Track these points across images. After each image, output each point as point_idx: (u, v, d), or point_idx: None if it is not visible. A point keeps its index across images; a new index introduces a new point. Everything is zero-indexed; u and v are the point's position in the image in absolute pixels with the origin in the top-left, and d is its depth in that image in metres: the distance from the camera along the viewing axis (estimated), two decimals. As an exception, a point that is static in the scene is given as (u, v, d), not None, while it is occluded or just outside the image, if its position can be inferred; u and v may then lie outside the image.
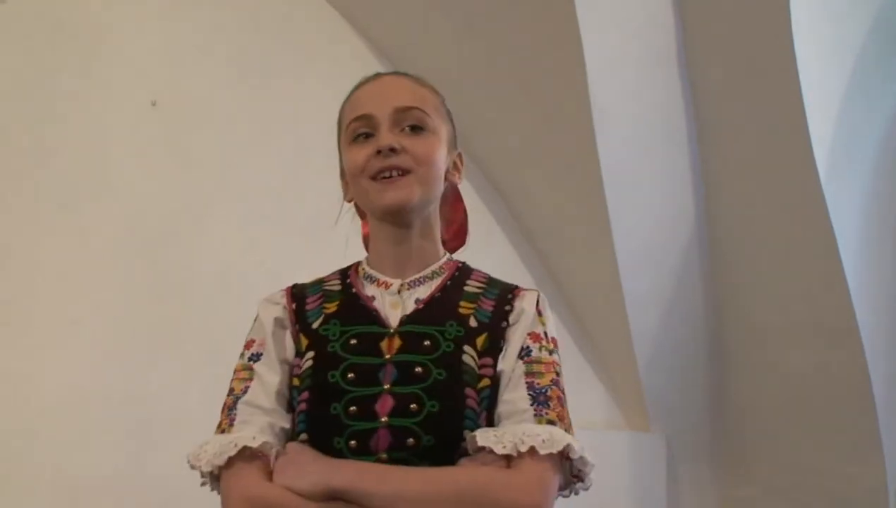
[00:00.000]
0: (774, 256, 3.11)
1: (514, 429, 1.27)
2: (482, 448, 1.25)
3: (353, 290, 1.40)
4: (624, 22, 2.82)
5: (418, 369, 1.30)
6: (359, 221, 1.55)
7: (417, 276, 1.40)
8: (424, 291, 1.39)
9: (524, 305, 1.39)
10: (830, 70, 2.97)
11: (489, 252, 3.17)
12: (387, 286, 1.39)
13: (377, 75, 1.47)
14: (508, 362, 1.34)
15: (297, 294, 1.41)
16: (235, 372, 1.37)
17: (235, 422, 1.31)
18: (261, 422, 1.30)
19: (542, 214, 3.20)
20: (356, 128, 1.39)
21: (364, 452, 1.26)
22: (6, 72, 2.48)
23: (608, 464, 3.19)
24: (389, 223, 1.39)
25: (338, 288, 1.41)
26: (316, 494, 1.21)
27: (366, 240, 1.51)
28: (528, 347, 1.36)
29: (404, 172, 1.36)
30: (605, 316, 3.19)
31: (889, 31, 3.09)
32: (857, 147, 3.12)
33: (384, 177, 1.36)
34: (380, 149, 1.35)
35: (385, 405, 1.28)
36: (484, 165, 3.19)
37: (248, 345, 1.39)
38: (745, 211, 3.12)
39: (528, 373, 1.33)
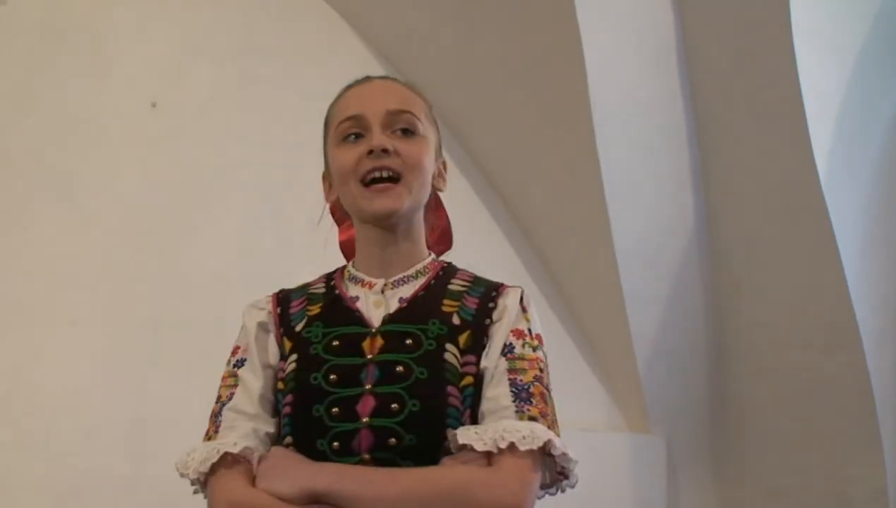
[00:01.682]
0: (774, 256, 3.11)
1: (494, 426, 1.26)
2: (464, 446, 1.25)
3: (336, 292, 1.39)
4: (624, 22, 2.82)
5: (399, 368, 1.29)
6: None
7: (401, 276, 1.40)
8: (408, 290, 1.39)
9: (507, 302, 1.38)
10: (830, 71, 2.97)
11: (489, 252, 3.17)
12: (370, 286, 1.39)
13: (367, 78, 1.46)
14: (492, 359, 1.33)
15: (283, 298, 1.42)
16: (222, 379, 1.38)
17: (220, 429, 1.32)
18: (245, 428, 1.31)
19: (542, 214, 3.20)
20: (346, 129, 1.38)
21: (347, 453, 1.26)
22: (6, 73, 2.48)
23: (608, 466, 3.20)
24: (375, 225, 1.39)
25: (322, 290, 1.41)
26: (298, 497, 1.21)
27: (343, 246, 1.52)
28: (510, 344, 1.35)
29: (395, 177, 1.35)
30: (605, 317, 3.18)
31: (889, 32, 3.09)
32: (857, 147, 3.12)
33: (374, 180, 1.35)
34: (372, 149, 1.35)
35: (366, 405, 1.27)
36: (484, 165, 3.19)
37: (234, 352, 1.40)
38: (744, 211, 3.12)
39: (511, 370, 1.32)
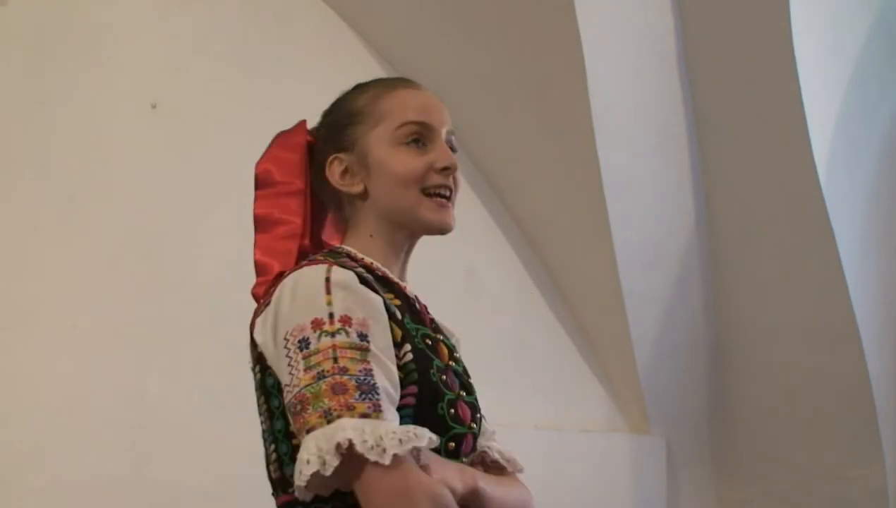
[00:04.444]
0: (774, 257, 3.11)
1: (500, 448, 1.38)
2: (490, 461, 1.36)
3: (399, 286, 1.35)
4: (624, 23, 2.82)
5: (470, 380, 1.36)
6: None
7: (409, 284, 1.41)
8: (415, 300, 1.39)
9: (455, 332, 1.46)
10: (830, 72, 2.97)
11: (487, 253, 3.17)
12: (403, 289, 1.36)
13: (410, 81, 1.44)
14: None
15: (359, 276, 1.26)
16: (337, 348, 1.18)
17: (384, 410, 1.16)
18: (396, 416, 1.19)
19: (541, 215, 3.19)
20: (410, 132, 1.35)
21: (455, 455, 1.28)
22: (6, 74, 2.48)
23: (608, 467, 3.20)
24: (410, 234, 1.38)
25: (370, 276, 1.29)
26: (464, 496, 1.21)
27: (259, 219, 1.50)
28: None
29: (450, 195, 1.37)
30: (605, 318, 3.18)
31: (889, 34, 3.09)
32: (856, 148, 3.12)
33: (435, 195, 1.34)
34: (448, 167, 1.34)
35: (465, 411, 1.30)
36: (483, 166, 3.19)
37: (344, 320, 1.20)
38: (744, 211, 3.12)
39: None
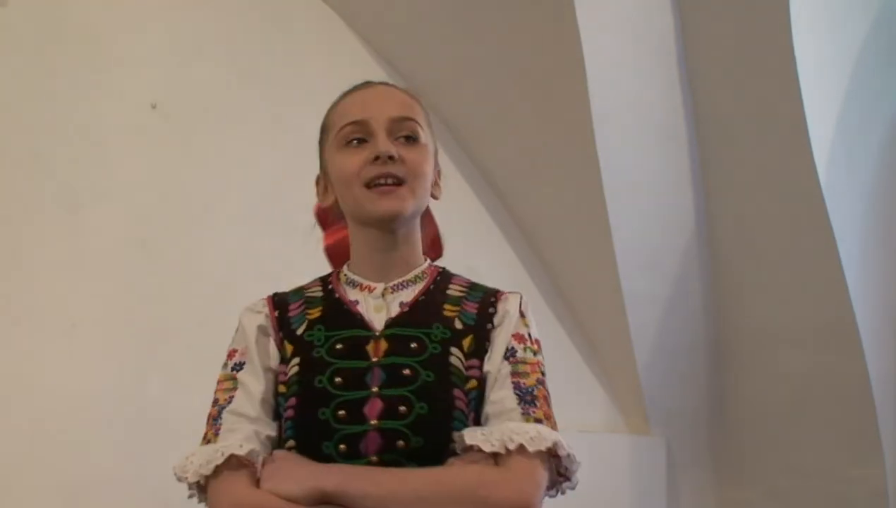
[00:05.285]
0: (774, 257, 3.10)
1: (501, 427, 1.28)
2: (470, 447, 1.27)
3: (336, 296, 1.40)
4: (624, 23, 2.82)
5: (406, 371, 1.31)
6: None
7: (401, 280, 1.41)
8: (408, 295, 1.40)
9: (508, 307, 1.41)
10: (830, 71, 2.97)
11: (488, 253, 3.17)
12: (370, 290, 1.39)
13: (367, 83, 1.47)
14: (494, 363, 1.36)
15: (279, 301, 1.42)
16: (219, 382, 1.38)
17: (221, 432, 1.31)
18: (246, 431, 1.31)
19: (541, 216, 3.19)
20: (349, 133, 1.39)
21: (354, 456, 1.27)
22: (6, 74, 2.48)
23: (608, 467, 3.19)
24: (376, 229, 1.39)
25: (320, 294, 1.41)
26: (305, 498, 1.21)
27: (329, 251, 1.53)
28: (513, 348, 1.38)
29: (398, 182, 1.36)
30: (605, 318, 3.18)
31: (889, 33, 3.08)
32: (856, 148, 3.12)
33: (378, 185, 1.36)
34: (378, 155, 1.35)
35: (374, 408, 1.28)
36: (484, 167, 3.19)
37: (230, 355, 1.40)
38: (744, 212, 3.12)
39: (514, 373, 1.35)
